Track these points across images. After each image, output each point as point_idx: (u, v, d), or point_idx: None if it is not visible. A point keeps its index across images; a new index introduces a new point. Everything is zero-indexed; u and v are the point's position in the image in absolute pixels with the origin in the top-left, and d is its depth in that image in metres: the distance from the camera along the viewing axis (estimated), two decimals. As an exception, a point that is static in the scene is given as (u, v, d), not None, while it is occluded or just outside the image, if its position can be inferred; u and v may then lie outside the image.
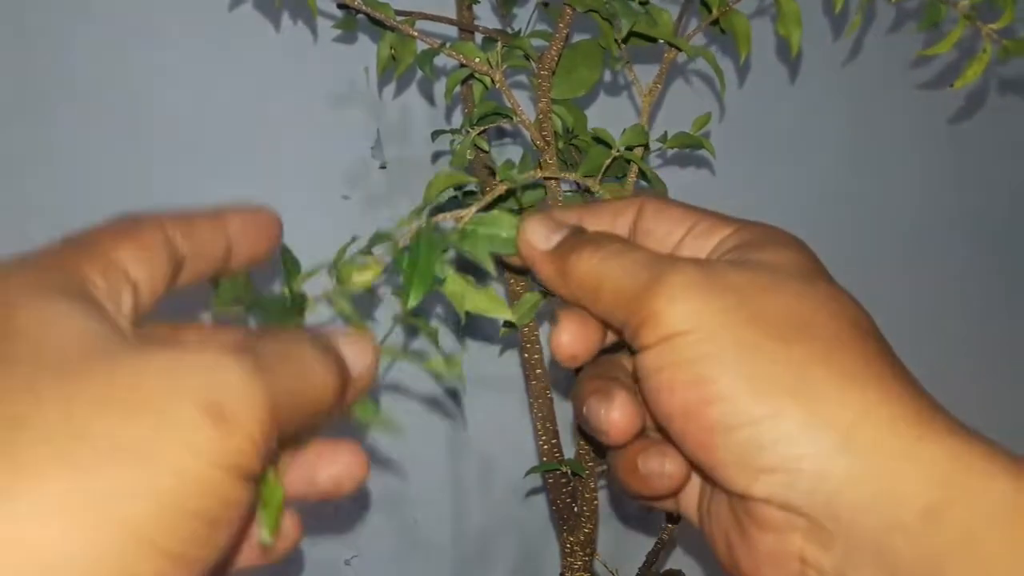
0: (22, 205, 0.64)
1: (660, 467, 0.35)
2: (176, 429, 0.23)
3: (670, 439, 0.34)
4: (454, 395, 0.72)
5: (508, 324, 0.43)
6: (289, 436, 0.28)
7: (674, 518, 0.60)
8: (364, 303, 0.72)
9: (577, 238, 0.37)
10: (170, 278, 0.31)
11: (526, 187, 0.44)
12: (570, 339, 0.37)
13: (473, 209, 0.42)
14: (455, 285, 0.40)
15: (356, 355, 0.32)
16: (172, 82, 0.66)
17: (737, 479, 0.30)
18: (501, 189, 0.43)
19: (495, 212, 0.40)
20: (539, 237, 0.38)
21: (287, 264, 0.39)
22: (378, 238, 0.41)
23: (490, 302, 0.40)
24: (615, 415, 0.35)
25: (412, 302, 0.37)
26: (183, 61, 0.66)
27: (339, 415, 0.33)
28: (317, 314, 0.41)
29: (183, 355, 0.25)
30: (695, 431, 0.31)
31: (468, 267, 0.42)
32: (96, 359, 0.24)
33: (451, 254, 0.42)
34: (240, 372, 0.25)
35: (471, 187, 0.50)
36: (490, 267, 0.40)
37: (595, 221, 0.39)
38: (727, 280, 0.32)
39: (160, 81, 0.66)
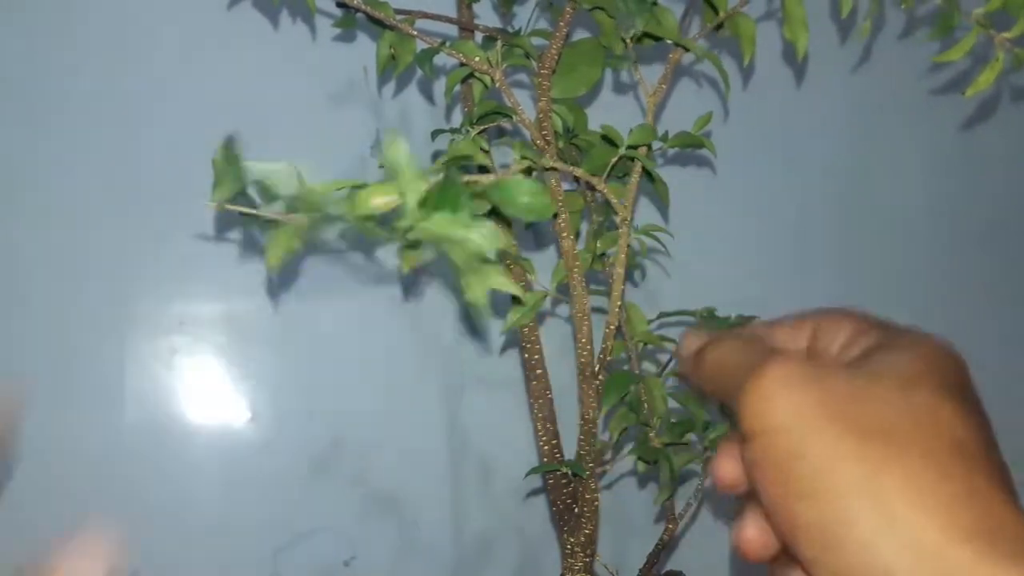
0: (20, 205, 0.64)
1: None
2: None
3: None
4: (477, 324, 0.71)
5: (515, 299, 0.43)
6: None
7: (674, 519, 0.60)
8: (367, 242, 0.72)
9: (714, 337, 0.40)
10: None
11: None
12: (756, 533, 0.37)
13: (492, 176, 0.42)
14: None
15: None
16: (170, 81, 0.66)
17: (817, 572, 0.32)
18: (520, 167, 0.43)
19: (517, 177, 0.40)
20: (687, 344, 0.41)
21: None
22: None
23: (501, 277, 0.40)
24: (747, 532, 0.36)
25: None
26: (181, 60, 0.66)
27: None
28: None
29: None
30: (783, 524, 0.33)
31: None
32: None
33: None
34: None
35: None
36: (524, 219, 0.40)
37: (780, 336, 0.41)
38: (823, 379, 0.33)
39: (158, 80, 0.65)
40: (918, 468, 0.31)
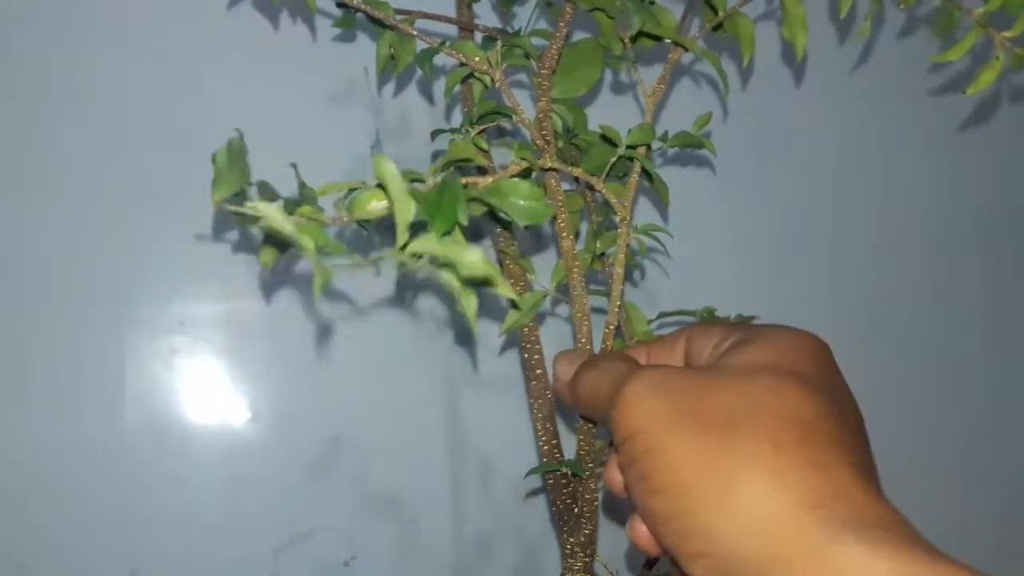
0: (20, 205, 0.64)
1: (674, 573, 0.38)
2: None
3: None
4: (468, 332, 0.71)
5: (512, 305, 0.43)
6: None
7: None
8: (363, 245, 0.72)
9: (584, 363, 0.41)
10: None
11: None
12: (645, 529, 0.38)
13: (490, 178, 0.41)
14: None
15: None
16: (170, 81, 0.66)
17: (682, 563, 0.33)
18: (517, 168, 0.43)
19: (514, 180, 0.40)
20: (562, 370, 0.43)
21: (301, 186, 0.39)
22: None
23: (495, 278, 0.40)
24: (639, 529, 0.38)
25: (438, 233, 0.37)
26: (181, 60, 0.66)
27: None
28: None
29: None
30: (648, 522, 0.34)
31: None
32: None
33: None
34: None
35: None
36: (520, 222, 0.40)
37: (658, 355, 0.42)
38: (675, 382, 0.35)
39: (158, 80, 0.66)
40: (760, 446, 0.32)
